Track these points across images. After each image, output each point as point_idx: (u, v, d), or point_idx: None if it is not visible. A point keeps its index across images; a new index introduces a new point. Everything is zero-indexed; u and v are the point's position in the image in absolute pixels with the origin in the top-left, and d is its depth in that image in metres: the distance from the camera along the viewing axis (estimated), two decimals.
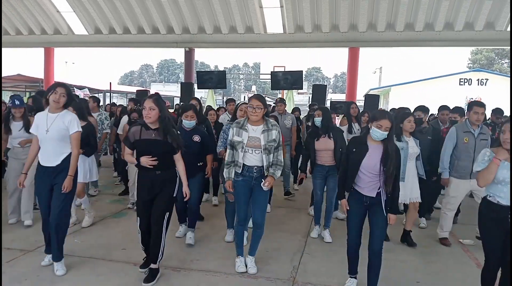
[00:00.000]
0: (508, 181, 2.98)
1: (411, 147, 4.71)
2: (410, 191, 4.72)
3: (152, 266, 3.68)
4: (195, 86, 15.04)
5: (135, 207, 5.78)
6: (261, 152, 3.69)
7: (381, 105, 26.33)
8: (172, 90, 48.86)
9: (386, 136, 3.29)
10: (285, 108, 7.43)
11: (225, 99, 33.51)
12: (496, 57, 53.11)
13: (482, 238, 3.22)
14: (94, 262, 4.03)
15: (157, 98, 3.59)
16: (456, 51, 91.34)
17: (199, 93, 29.72)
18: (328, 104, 15.29)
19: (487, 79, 28.67)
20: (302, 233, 5.19)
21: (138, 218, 3.72)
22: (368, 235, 3.45)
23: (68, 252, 4.21)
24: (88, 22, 15.70)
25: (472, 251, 4.68)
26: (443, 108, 6.53)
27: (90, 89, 21.99)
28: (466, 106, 5.25)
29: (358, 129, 6.79)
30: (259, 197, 3.80)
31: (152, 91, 29.78)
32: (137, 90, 14.05)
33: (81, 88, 21.69)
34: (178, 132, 3.77)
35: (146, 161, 3.53)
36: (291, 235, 5.08)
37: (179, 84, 16.49)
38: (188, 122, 4.61)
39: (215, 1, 13.68)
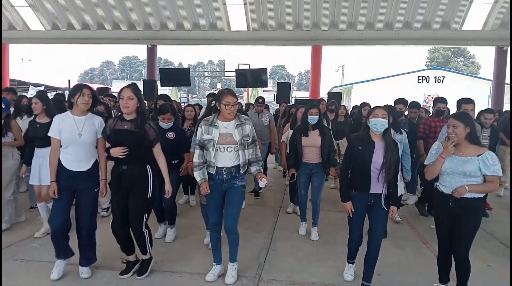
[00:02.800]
0: (449, 172, 3.13)
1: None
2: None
3: (143, 257, 3.69)
4: (158, 83, 14.81)
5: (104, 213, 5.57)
6: (238, 147, 3.48)
7: (344, 102, 26.88)
8: None
9: (387, 126, 3.28)
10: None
11: (190, 96, 33.21)
12: (452, 56, 55.29)
13: (435, 226, 3.40)
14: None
15: (136, 87, 3.50)
16: (414, 50, 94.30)
17: (162, 91, 29.27)
18: (292, 102, 15.42)
19: (444, 77, 29.83)
20: (267, 230, 5.21)
21: (112, 216, 3.62)
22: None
23: (26, 256, 4.11)
24: (45, 17, 15.15)
25: (431, 242, 4.85)
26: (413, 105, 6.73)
27: (48, 87, 21.23)
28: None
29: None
30: (232, 201, 3.56)
31: (113, 89, 29.03)
32: (97, 88, 13.67)
33: (38, 86, 20.88)
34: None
35: (116, 151, 3.41)
36: (256, 232, 5.08)
37: (142, 81, 16.18)
38: (165, 124, 4.55)
39: None
